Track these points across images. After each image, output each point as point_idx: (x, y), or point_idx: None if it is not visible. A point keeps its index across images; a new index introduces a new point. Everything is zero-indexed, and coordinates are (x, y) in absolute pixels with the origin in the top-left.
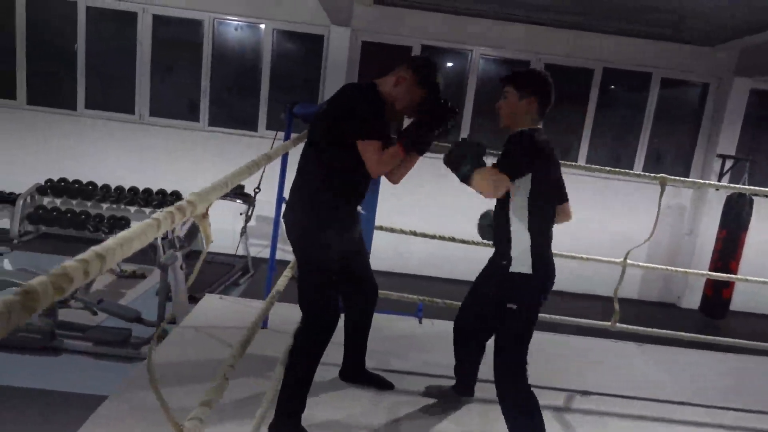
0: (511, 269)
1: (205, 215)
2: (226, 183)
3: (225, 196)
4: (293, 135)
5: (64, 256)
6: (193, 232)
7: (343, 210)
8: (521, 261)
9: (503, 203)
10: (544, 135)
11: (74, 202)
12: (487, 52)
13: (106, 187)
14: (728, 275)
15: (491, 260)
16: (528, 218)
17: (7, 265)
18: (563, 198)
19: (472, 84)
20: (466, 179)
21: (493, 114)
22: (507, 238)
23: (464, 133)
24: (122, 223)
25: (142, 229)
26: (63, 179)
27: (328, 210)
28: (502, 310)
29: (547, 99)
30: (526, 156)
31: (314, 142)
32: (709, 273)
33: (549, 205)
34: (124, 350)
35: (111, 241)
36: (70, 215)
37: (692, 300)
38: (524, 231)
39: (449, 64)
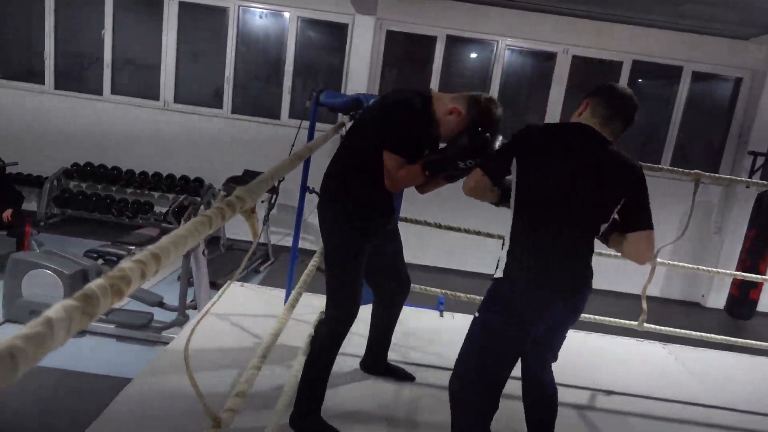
0: (495, 275)
1: (252, 211)
2: (271, 176)
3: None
4: (318, 124)
5: (88, 239)
6: None
7: (373, 202)
8: (499, 265)
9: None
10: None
11: (99, 186)
12: (513, 43)
13: (130, 172)
14: (759, 276)
15: None
16: (512, 219)
17: (33, 246)
18: (629, 224)
19: (497, 75)
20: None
21: (518, 107)
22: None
23: None
24: (146, 207)
25: (195, 226)
26: (89, 163)
27: (366, 200)
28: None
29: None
30: (505, 145)
31: (355, 134)
32: (740, 273)
33: (541, 210)
34: (146, 334)
35: (165, 240)
36: (95, 199)
37: (718, 300)
38: (507, 233)
39: (474, 55)
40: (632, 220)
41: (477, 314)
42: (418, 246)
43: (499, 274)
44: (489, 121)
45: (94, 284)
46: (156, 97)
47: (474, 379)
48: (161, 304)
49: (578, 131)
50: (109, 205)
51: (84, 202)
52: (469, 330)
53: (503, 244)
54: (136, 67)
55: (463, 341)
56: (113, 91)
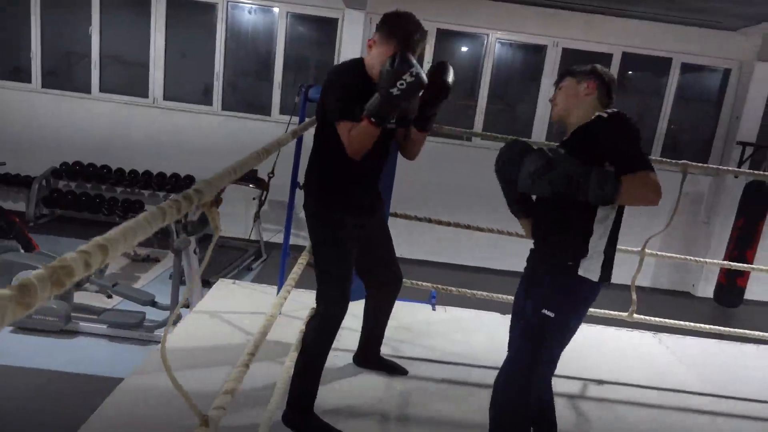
0: (580, 272)
1: (213, 203)
2: (234, 170)
3: (238, 181)
4: (309, 119)
5: (79, 239)
6: (206, 216)
7: (353, 191)
8: (591, 265)
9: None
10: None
11: (89, 185)
12: (504, 36)
13: (120, 170)
14: (749, 265)
15: (539, 259)
16: (614, 217)
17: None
18: None
19: (488, 68)
20: (608, 199)
21: (510, 99)
22: (583, 231)
23: (479, 119)
24: (136, 206)
25: (147, 218)
26: (78, 162)
27: (336, 191)
28: (536, 314)
29: None
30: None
31: (317, 123)
32: (728, 263)
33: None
34: (138, 333)
35: (114, 231)
36: (84, 199)
37: (707, 288)
38: (606, 230)
39: (464, 49)
40: None
41: (549, 314)
42: (409, 240)
43: (588, 274)
44: (403, 34)
45: (33, 274)
46: (145, 95)
47: (539, 372)
48: (153, 303)
49: None
50: (99, 204)
51: (73, 201)
52: (541, 327)
53: (586, 240)
54: (124, 65)
55: (517, 337)
56: (101, 89)
